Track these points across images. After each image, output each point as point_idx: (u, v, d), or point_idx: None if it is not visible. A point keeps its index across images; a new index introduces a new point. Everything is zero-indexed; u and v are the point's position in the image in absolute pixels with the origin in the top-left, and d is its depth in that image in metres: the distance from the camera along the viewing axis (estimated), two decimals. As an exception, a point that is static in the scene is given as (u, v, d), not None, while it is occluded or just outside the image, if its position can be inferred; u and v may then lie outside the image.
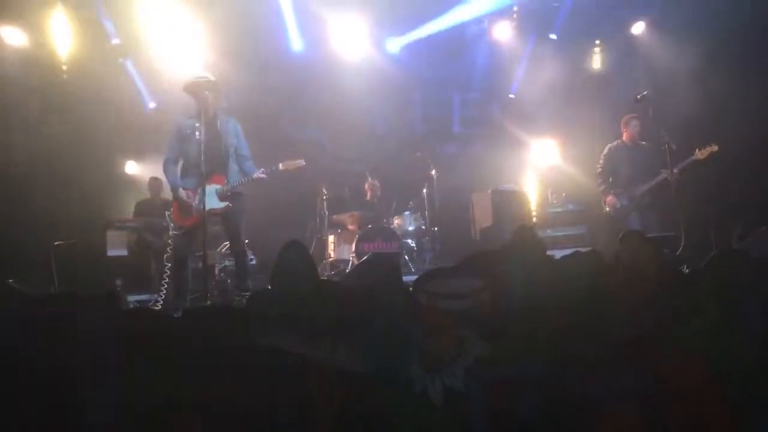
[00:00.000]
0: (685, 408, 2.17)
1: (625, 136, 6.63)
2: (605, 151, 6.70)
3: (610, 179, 6.64)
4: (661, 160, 6.09)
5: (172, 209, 5.26)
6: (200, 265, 5.08)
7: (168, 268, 5.36)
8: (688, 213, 5.91)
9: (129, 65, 7.98)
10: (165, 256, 5.39)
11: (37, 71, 7.33)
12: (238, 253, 5.35)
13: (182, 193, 5.11)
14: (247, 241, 5.53)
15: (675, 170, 6.00)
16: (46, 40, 7.31)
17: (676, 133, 6.02)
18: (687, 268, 3.95)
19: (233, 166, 5.23)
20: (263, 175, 5.19)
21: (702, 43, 6.73)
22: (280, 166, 5.23)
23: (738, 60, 6.70)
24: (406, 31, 8.37)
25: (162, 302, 5.33)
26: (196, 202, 4.99)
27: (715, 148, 5.95)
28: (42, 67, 7.37)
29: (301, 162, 5.28)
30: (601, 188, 6.70)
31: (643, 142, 6.56)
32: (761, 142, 6.42)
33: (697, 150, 6.01)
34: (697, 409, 2.17)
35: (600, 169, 6.73)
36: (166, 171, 5.26)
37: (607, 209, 6.61)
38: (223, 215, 5.20)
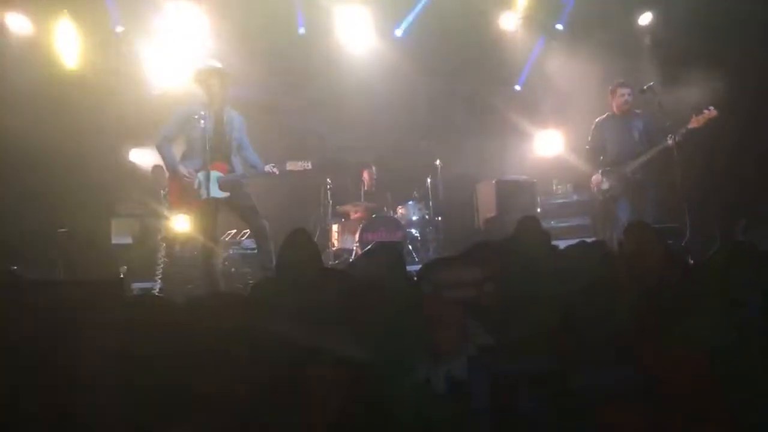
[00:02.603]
0: (687, 402, 2.17)
1: (614, 107, 6.00)
2: (593, 126, 6.11)
3: (601, 157, 6.02)
4: (657, 131, 5.66)
5: (167, 191, 5.13)
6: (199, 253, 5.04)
7: (163, 255, 5.31)
8: (693, 203, 5.84)
9: (133, 52, 7.95)
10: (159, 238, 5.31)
11: (41, 58, 7.32)
12: (260, 234, 5.09)
13: (182, 169, 4.97)
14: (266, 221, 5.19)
15: (672, 138, 5.35)
16: (51, 28, 7.31)
17: (683, 125, 5.91)
18: (691, 259, 3.95)
19: (237, 159, 5.16)
20: (275, 171, 5.05)
21: (710, 34, 6.67)
22: (288, 165, 5.10)
23: (748, 51, 6.64)
24: (407, 14, 8.29)
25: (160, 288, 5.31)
26: (196, 184, 4.94)
27: (714, 113, 5.30)
28: (46, 55, 7.36)
29: (308, 165, 5.16)
30: (590, 168, 6.09)
31: (638, 111, 5.97)
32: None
33: (693, 116, 5.38)
34: (699, 403, 2.17)
35: (587, 147, 6.15)
36: (162, 150, 5.09)
37: (594, 190, 6.03)
38: (229, 205, 5.15)
